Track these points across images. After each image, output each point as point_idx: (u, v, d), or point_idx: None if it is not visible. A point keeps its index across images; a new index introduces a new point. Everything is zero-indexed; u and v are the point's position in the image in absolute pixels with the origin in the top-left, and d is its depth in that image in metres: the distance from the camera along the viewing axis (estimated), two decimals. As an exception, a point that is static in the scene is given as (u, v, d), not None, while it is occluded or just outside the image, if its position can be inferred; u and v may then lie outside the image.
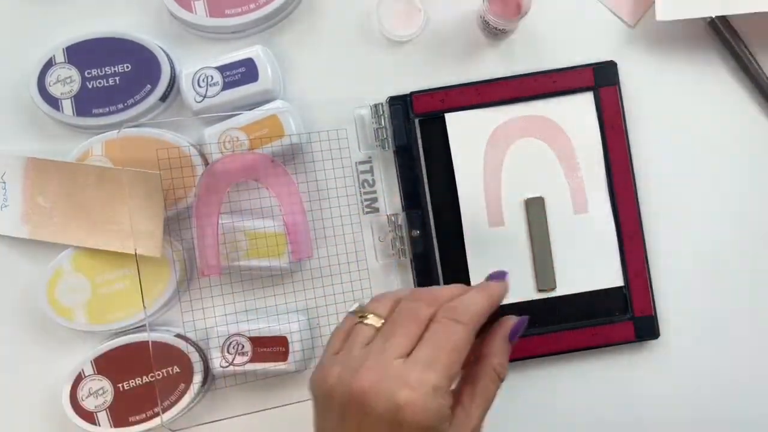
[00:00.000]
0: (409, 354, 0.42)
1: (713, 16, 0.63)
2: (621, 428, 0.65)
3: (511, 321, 0.49)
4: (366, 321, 0.45)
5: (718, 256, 0.65)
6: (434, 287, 0.48)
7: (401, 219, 0.64)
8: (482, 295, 0.46)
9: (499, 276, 0.50)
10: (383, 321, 0.45)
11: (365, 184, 0.65)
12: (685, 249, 0.65)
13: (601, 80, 0.64)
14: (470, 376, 0.46)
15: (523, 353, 0.63)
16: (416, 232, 0.64)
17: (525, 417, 0.65)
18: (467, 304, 0.45)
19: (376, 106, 0.64)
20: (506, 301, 0.62)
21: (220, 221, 0.62)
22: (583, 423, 0.65)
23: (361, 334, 0.44)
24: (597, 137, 0.64)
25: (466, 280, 0.64)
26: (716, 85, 0.65)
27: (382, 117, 0.64)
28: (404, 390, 0.40)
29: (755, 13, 0.61)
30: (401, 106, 0.64)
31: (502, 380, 0.47)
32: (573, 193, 0.64)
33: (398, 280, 0.65)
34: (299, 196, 0.63)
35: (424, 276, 0.64)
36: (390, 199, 0.65)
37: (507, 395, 0.63)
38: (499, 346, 0.47)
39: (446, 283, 0.64)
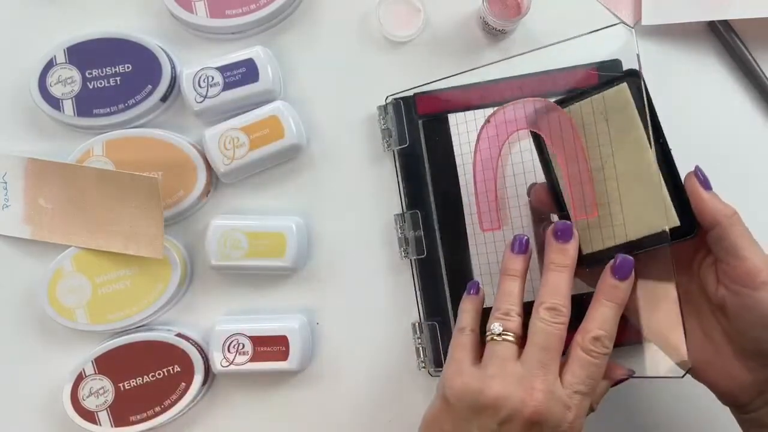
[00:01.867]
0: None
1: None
2: (634, 423, 0.64)
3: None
4: (507, 338, 0.50)
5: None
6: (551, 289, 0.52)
7: (405, 219, 0.64)
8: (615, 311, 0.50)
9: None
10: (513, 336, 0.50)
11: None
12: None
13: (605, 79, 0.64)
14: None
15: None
16: (420, 232, 0.64)
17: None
18: (607, 332, 0.49)
19: (379, 107, 0.64)
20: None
21: (498, 177, 0.59)
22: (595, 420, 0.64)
23: (504, 351, 0.49)
24: (601, 134, 0.64)
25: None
26: (715, 82, 0.66)
27: (386, 118, 0.64)
28: (569, 414, 0.47)
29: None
30: (405, 107, 0.64)
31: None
32: (578, 191, 0.64)
33: (402, 280, 0.65)
34: (582, 141, 0.57)
35: (427, 276, 0.64)
36: (394, 199, 0.65)
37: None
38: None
39: (450, 284, 0.64)
